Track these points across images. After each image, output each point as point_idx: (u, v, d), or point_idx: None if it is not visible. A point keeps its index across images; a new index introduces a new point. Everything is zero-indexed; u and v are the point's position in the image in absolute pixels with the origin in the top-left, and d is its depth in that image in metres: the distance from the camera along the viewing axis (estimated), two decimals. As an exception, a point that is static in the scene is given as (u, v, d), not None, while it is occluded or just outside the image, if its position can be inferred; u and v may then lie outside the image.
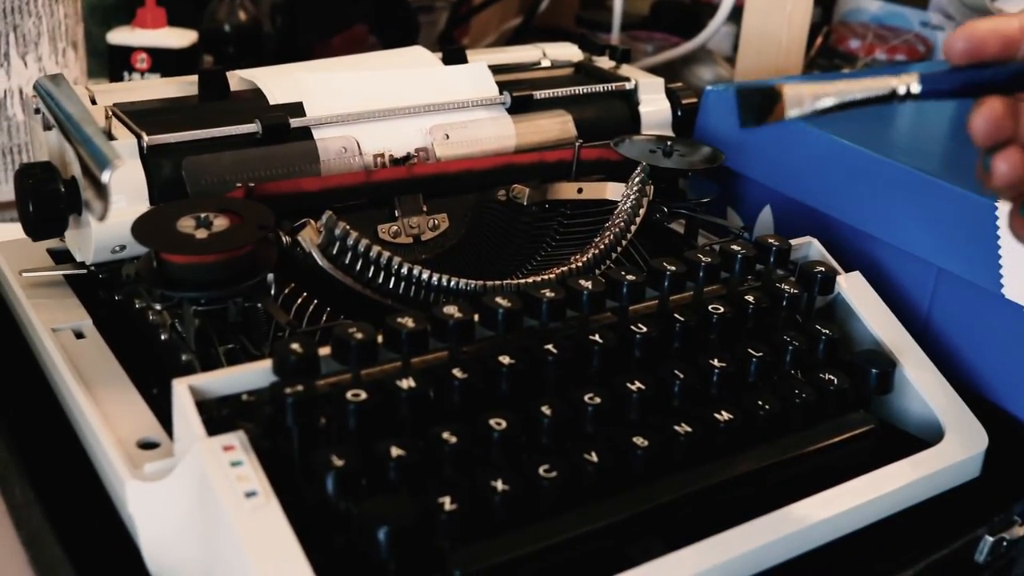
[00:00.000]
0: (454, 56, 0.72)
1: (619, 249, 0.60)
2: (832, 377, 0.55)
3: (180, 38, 0.97)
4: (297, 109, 0.62)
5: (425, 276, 0.54)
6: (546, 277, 0.56)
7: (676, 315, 0.54)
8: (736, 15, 1.07)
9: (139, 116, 0.59)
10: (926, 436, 0.55)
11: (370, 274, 0.54)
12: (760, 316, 0.57)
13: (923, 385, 0.57)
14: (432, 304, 0.53)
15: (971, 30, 0.44)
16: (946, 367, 0.58)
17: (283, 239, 0.55)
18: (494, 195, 0.66)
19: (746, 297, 0.57)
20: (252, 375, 0.46)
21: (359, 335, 0.45)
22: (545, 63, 0.77)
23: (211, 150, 0.59)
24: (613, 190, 0.66)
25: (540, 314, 0.51)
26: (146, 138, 0.56)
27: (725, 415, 0.50)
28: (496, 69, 0.70)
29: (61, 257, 0.62)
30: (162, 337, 0.51)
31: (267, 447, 0.44)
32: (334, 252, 0.54)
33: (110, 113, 0.58)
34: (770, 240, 0.60)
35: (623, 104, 0.73)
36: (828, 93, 0.42)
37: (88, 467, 0.50)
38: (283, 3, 1.10)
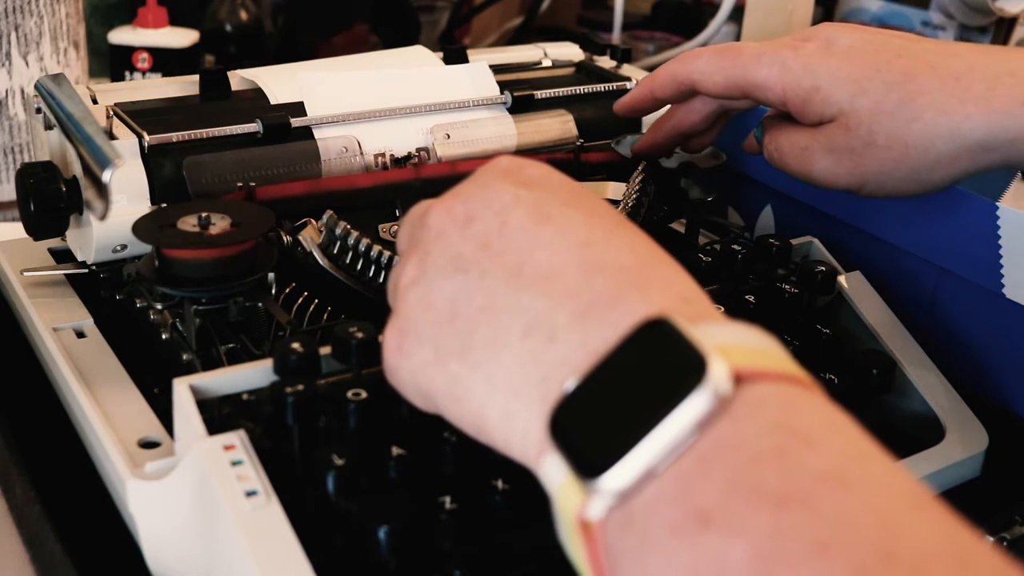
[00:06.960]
0: (455, 56, 0.72)
1: (620, 249, 0.60)
2: (832, 377, 0.55)
3: (181, 38, 0.97)
4: (298, 109, 0.62)
5: (426, 276, 0.54)
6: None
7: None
8: (737, 15, 1.07)
9: (140, 116, 0.59)
10: (926, 436, 0.55)
11: (371, 273, 0.54)
12: (760, 316, 0.57)
13: (923, 385, 0.57)
14: (433, 304, 0.53)
15: (626, 98, 0.65)
16: (947, 367, 0.58)
17: (284, 239, 0.55)
18: (495, 195, 0.66)
19: (746, 297, 0.57)
20: (253, 374, 0.46)
21: (360, 334, 0.45)
22: (546, 63, 0.77)
23: (212, 150, 0.59)
24: (614, 190, 0.66)
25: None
26: (147, 138, 0.56)
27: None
28: (497, 69, 0.70)
29: (62, 256, 0.62)
30: (163, 336, 0.51)
31: (268, 446, 0.44)
32: (335, 251, 0.54)
33: (111, 113, 0.58)
34: (771, 240, 0.60)
35: (624, 104, 0.73)
36: None
37: (89, 466, 0.50)
38: (284, 3, 1.10)
